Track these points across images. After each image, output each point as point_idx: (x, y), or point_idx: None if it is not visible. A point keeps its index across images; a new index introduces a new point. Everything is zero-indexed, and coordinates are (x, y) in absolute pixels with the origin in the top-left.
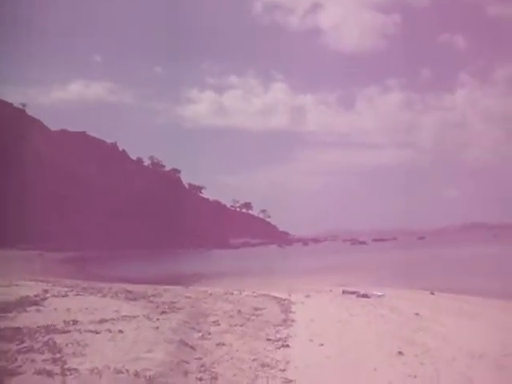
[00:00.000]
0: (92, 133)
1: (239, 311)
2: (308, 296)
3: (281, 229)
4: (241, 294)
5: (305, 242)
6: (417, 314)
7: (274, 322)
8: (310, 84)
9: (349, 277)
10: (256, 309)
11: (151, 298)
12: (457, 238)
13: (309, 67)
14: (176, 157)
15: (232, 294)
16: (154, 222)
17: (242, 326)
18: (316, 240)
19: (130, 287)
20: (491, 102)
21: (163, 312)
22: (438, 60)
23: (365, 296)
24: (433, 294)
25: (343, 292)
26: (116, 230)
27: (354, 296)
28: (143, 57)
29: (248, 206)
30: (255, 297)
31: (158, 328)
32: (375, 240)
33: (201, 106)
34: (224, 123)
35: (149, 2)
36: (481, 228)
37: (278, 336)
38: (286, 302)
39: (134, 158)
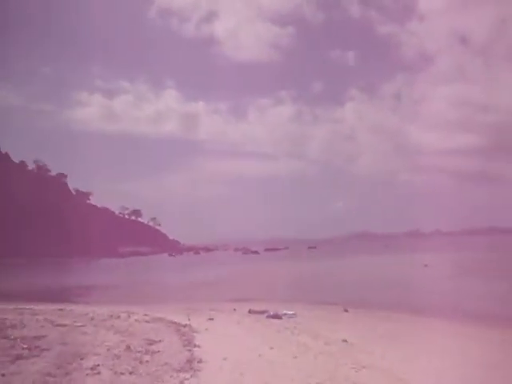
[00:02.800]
0: None
1: (128, 347)
2: (211, 319)
3: (171, 237)
4: (130, 317)
5: (196, 251)
6: (345, 341)
7: (175, 364)
8: (202, 92)
9: (248, 290)
10: (150, 342)
11: (8, 332)
12: (348, 247)
13: (202, 75)
14: (63, 161)
15: (119, 317)
16: (37, 228)
17: (131, 373)
18: (207, 249)
19: None
20: (379, 116)
21: (18, 357)
22: (329, 74)
23: (276, 317)
24: (346, 311)
25: (250, 311)
26: None
27: (263, 317)
28: (30, 56)
29: (137, 213)
30: (148, 322)
31: None
32: (267, 249)
33: (90, 110)
34: (114, 128)
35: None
36: (370, 238)
37: None
38: (187, 329)
39: (17, 161)
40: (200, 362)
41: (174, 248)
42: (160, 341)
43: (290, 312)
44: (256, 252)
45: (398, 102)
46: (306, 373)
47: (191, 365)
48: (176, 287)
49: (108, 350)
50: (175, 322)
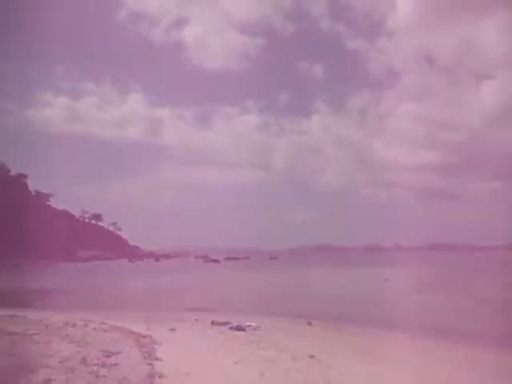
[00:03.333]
0: None
1: (84, 359)
2: (173, 330)
3: (131, 243)
4: (86, 325)
5: (156, 257)
6: (312, 357)
7: (134, 380)
8: (168, 98)
9: (209, 300)
10: (108, 354)
11: None
12: (309, 259)
13: (168, 81)
14: (23, 161)
15: (75, 325)
16: None
17: None
18: (167, 256)
19: None
20: (344, 130)
21: None
22: (296, 86)
23: (239, 328)
24: (310, 324)
25: (212, 323)
26: None
27: (226, 328)
28: None
29: (98, 217)
30: (106, 331)
31: None
32: (228, 258)
33: (54, 111)
34: (78, 130)
35: None
36: (331, 250)
37: None
38: (147, 340)
39: None
40: (161, 376)
41: (134, 254)
42: (118, 352)
43: (253, 324)
44: (217, 261)
45: (364, 117)
46: None
47: (152, 380)
48: (136, 294)
49: (61, 362)
50: (135, 332)
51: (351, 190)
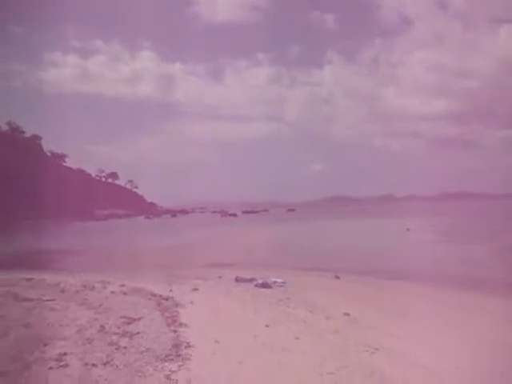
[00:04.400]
0: None
1: (102, 328)
2: (196, 289)
3: (148, 200)
4: (105, 288)
5: (173, 213)
6: (347, 315)
7: (158, 350)
8: (179, 53)
9: (230, 254)
10: (128, 321)
11: None
12: (326, 210)
13: (179, 36)
14: (37, 123)
15: (93, 288)
16: (11, 191)
17: (105, 364)
18: (185, 211)
19: None
20: (356, 80)
21: None
22: (307, 37)
23: (265, 286)
24: (338, 277)
25: (237, 280)
26: None
27: (251, 285)
28: (1, 16)
29: (114, 175)
30: (125, 294)
31: None
32: (246, 212)
33: (64, 71)
34: (89, 89)
35: None
36: (346, 201)
37: None
38: (170, 302)
39: None
40: (188, 346)
41: (151, 211)
42: (139, 318)
43: (279, 280)
44: (234, 215)
45: (376, 66)
46: (314, 359)
47: (178, 351)
48: (155, 251)
49: (78, 331)
50: (156, 294)
51: (365, 141)
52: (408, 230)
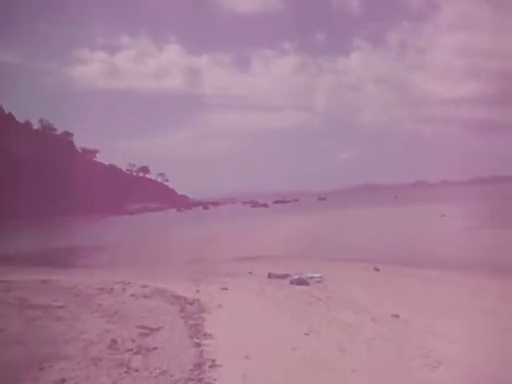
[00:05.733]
0: None
1: (113, 343)
2: (225, 289)
3: (180, 193)
4: (124, 290)
5: (204, 205)
6: (395, 317)
7: (177, 372)
8: (204, 45)
9: (261, 246)
10: (145, 332)
11: None
12: (358, 198)
13: (203, 28)
14: (68, 120)
15: (111, 291)
16: (45, 188)
17: None
18: (216, 203)
19: None
20: (384, 66)
21: None
22: (332, 24)
23: (301, 282)
24: (377, 269)
25: (269, 276)
26: (3, 198)
27: (285, 282)
28: (29, 14)
29: (145, 169)
30: (146, 297)
31: None
32: (276, 202)
33: (92, 67)
34: (117, 85)
35: None
36: (377, 188)
37: None
38: (195, 307)
39: (22, 121)
40: (213, 366)
41: (182, 203)
42: (159, 328)
43: (315, 275)
44: (265, 205)
45: (404, 51)
46: (366, 378)
47: (200, 373)
48: (184, 244)
49: (84, 348)
50: (180, 297)
51: (394, 127)
52: (443, 216)
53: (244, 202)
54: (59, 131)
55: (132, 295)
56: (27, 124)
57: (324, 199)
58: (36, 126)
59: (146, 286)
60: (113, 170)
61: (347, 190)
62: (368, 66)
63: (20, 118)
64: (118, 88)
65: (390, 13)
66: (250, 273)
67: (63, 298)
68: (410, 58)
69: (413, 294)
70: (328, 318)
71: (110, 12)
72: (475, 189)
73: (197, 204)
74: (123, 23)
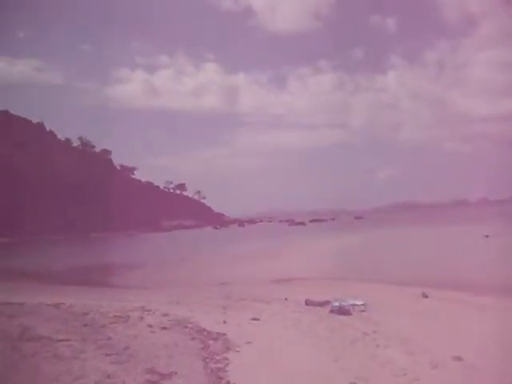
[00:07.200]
0: (16, 112)
1: None
2: (256, 319)
3: (216, 210)
4: (142, 319)
5: (240, 223)
6: (458, 360)
7: None
8: (241, 64)
9: (297, 266)
10: (154, 378)
11: None
12: (395, 217)
13: (241, 47)
14: (107, 138)
15: (127, 319)
16: (83, 204)
17: None
18: (252, 221)
19: None
20: (421, 84)
21: None
22: (369, 42)
23: (343, 311)
24: (426, 296)
25: (307, 303)
26: (42, 213)
27: (325, 311)
28: (70, 34)
29: (182, 187)
30: (164, 328)
31: None
32: (313, 220)
33: (131, 86)
34: (155, 103)
35: None
36: (415, 207)
37: None
38: (219, 343)
39: (63, 138)
40: None
41: (218, 221)
42: (171, 375)
43: (358, 302)
44: (302, 223)
45: (442, 68)
46: None
47: None
48: (217, 263)
49: None
50: (204, 330)
51: (432, 145)
52: (487, 236)
53: (280, 221)
54: (98, 149)
55: (149, 326)
56: (67, 141)
57: (361, 218)
58: (75, 143)
59: (166, 315)
60: (150, 187)
61: (385, 209)
62: (405, 84)
63: (61, 136)
64: (156, 106)
65: (426, 29)
66: (285, 299)
67: (70, 329)
68: (448, 75)
69: (472, 328)
70: (378, 359)
71: (148, 31)
72: None
73: (233, 222)
74: (162, 42)
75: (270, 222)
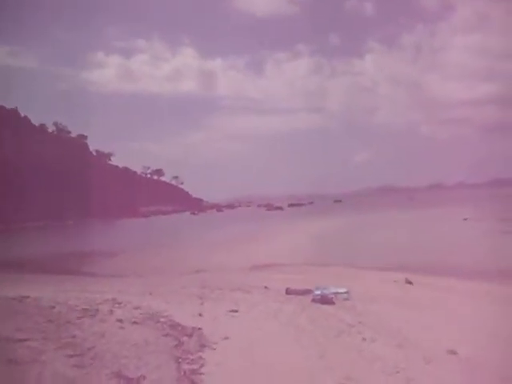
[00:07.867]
0: None
1: None
2: (234, 311)
3: (194, 195)
4: (112, 313)
5: (218, 208)
6: (453, 353)
7: None
8: (218, 48)
9: (276, 252)
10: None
11: None
12: (374, 201)
13: (217, 31)
14: (83, 123)
15: (96, 313)
16: (59, 190)
17: None
18: (230, 206)
19: None
20: (399, 68)
21: None
22: (346, 26)
23: (325, 300)
24: (410, 282)
25: (287, 292)
26: (16, 200)
27: (307, 300)
28: (44, 19)
29: (159, 172)
30: (135, 323)
31: None
32: (292, 205)
33: (107, 71)
34: (132, 88)
35: None
36: (393, 191)
37: None
38: (194, 339)
39: (37, 124)
40: None
41: (197, 206)
42: (139, 380)
43: (340, 290)
44: (280, 208)
45: (419, 53)
46: None
47: None
48: (193, 249)
49: None
50: (178, 325)
51: (410, 129)
52: (465, 219)
53: (259, 205)
54: (74, 134)
55: (118, 320)
56: (42, 127)
57: (340, 201)
58: (51, 129)
59: (138, 308)
60: (127, 172)
61: (363, 192)
62: (383, 68)
63: (35, 122)
64: (132, 91)
65: (403, 14)
66: (265, 287)
67: (32, 326)
68: (425, 59)
69: (460, 316)
70: (367, 355)
71: (124, 15)
72: (493, 191)
73: (211, 207)
74: (138, 27)
75: (249, 206)
